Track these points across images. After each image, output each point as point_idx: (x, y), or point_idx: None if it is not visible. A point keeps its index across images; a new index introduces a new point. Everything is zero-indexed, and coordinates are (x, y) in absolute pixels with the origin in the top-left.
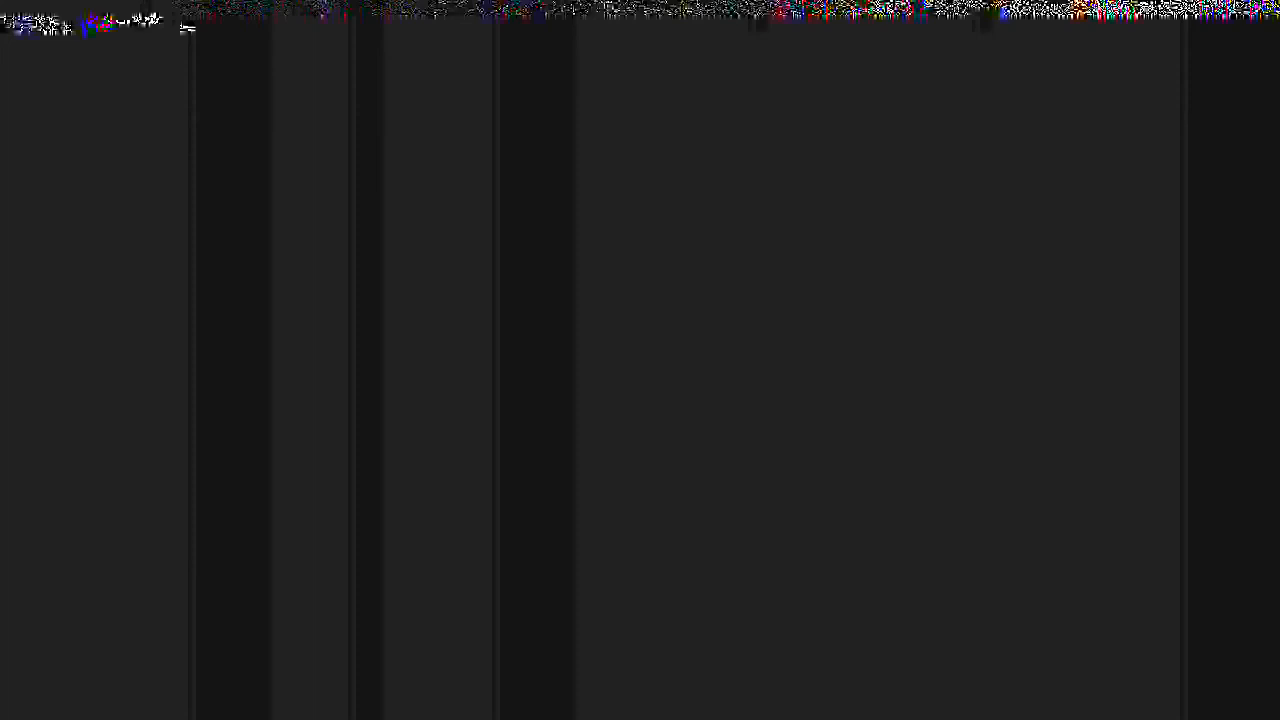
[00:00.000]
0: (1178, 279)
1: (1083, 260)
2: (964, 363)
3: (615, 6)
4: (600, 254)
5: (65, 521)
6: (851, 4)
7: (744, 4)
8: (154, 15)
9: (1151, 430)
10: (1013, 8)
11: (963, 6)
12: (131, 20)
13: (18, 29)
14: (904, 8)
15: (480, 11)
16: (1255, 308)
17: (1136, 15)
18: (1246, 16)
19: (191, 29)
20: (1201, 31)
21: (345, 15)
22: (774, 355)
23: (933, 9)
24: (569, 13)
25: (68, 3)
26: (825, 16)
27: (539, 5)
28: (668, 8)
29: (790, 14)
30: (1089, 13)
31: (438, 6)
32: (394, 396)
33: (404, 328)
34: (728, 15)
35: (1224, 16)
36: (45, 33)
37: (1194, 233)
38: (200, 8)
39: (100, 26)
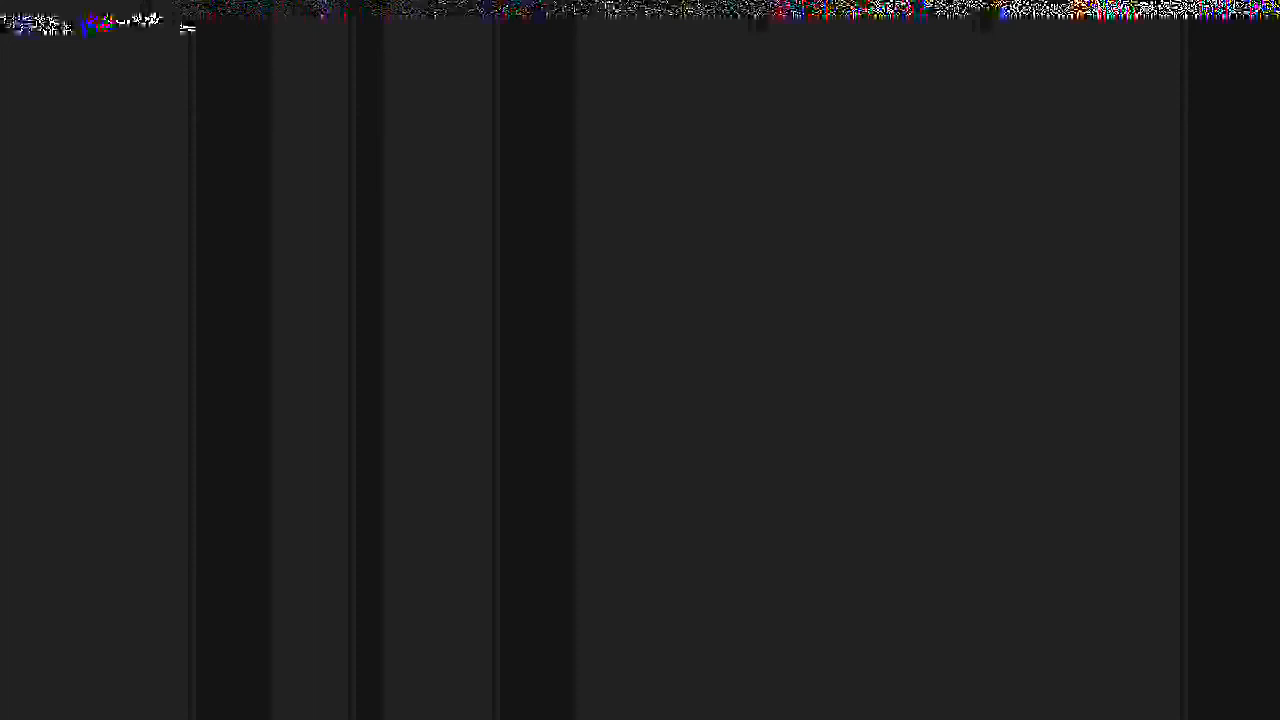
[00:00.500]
0: (1178, 279)
1: (1083, 260)
2: (964, 362)
3: (615, 6)
4: (600, 254)
5: (65, 521)
6: (851, 4)
7: (744, 4)
8: (154, 15)
9: (1151, 430)
10: (1013, 8)
11: (963, 6)
12: (131, 20)
13: (18, 29)
14: (904, 8)
15: (480, 11)
16: (1255, 308)
17: (1136, 15)
18: (1246, 16)
19: (191, 29)
20: (1201, 31)
21: (345, 15)
22: (774, 355)
23: (933, 9)
24: (569, 13)
25: (68, 3)
26: (825, 16)
27: (539, 5)
28: (668, 8)
29: (790, 14)
30: (1089, 13)
31: (438, 6)
32: (394, 396)
33: (404, 328)
34: (728, 15)
35: (1224, 16)
36: (45, 33)
37: (1194, 233)
38: (200, 8)
39: (100, 26)
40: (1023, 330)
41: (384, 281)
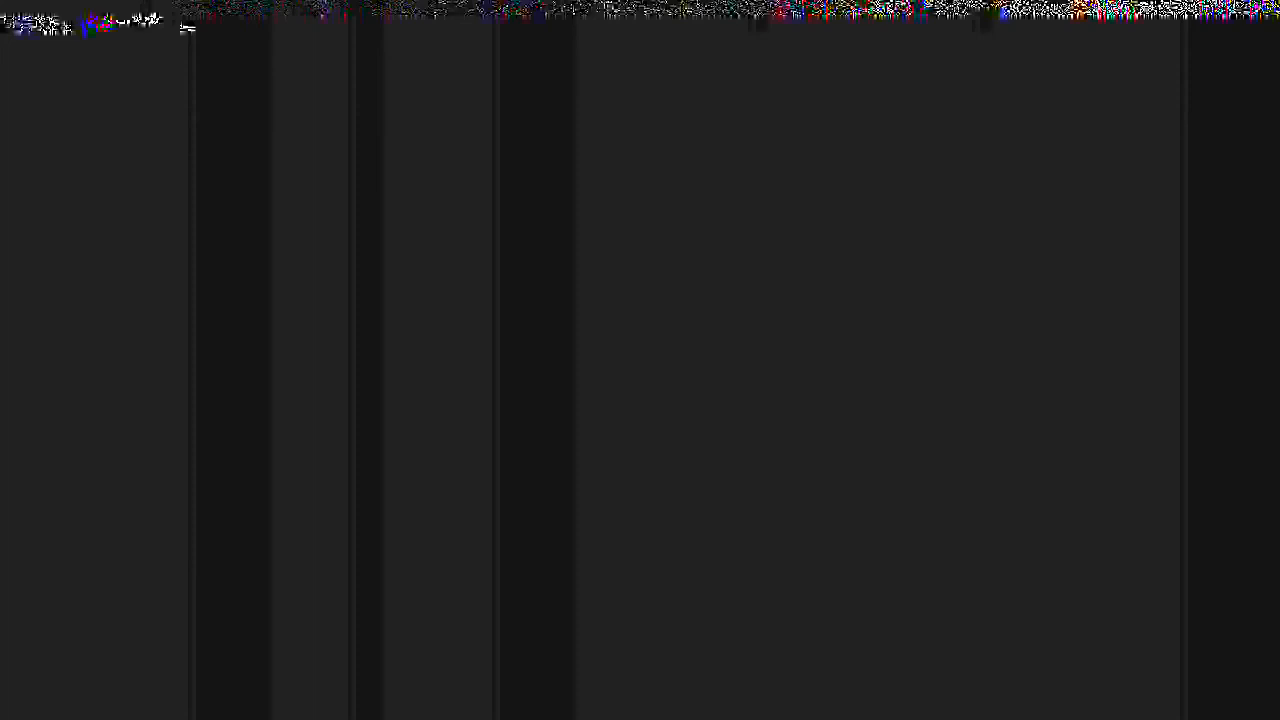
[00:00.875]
0: (1178, 279)
1: (1083, 260)
2: (964, 362)
3: (615, 6)
4: (600, 254)
5: (65, 521)
6: (851, 4)
7: (744, 4)
8: (154, 15)
9: (1151, 430)
10: (1013, 8)
11: (963, 6)
12: (131, 20)
13: (18, 29)
14: (904, 8)
15: (480, 11)
16: (1255, 308)
17: (1136, 15)
18: (1246, 16)
19: (191, 29)
20: (1201, 31)
21: (345, 15)
22: (774, 355)
23: (933, 9)
24: (569, 13)
25: (68, 3)
26: (825, 16)
27: (539, 5)
28: (668, 8)
29: (790, 14)
30: (1089, 13)
31: (438, 6)
32: (394, 396)
33: (404, 328)
34: (728, 15)
35: (1224, 16)
36: (45, 33)
37: (1194, 232)
38: (200, 8)
39: (100, 26)
40: (1023, 330)
41: (384, 281)
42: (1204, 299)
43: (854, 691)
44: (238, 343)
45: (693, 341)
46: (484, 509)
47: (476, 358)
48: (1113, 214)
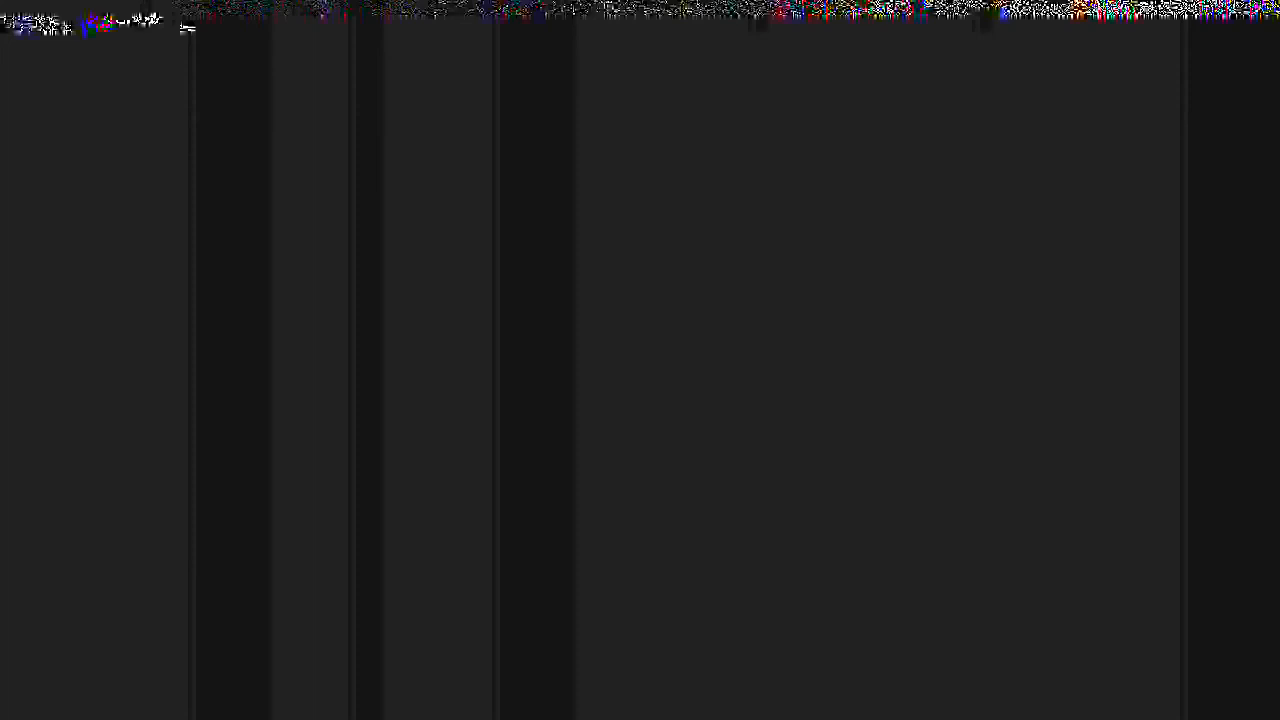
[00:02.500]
0: (1178, 279)
1: (1083, 260)
2: (964, 363)
3: (615, 6)
4: (600, 254)
5: (65, 521)
6: (851, 4)
7: (744, 4)
8: (154, 15)
9: (1151, 430)
10: (1013, 8)
11: (963, 6)
12: (131, 20)
13: (18, 29)
14: (904, 8)
15: (480, 11)
16: (1255, 308)
17: (1136, 15)
18: (1246, 16)
19: (191, 29)
20: (1201, 31)
21: (345, 15)
22: (774, 355)
23: (933, 9)
24: (569, 13)
25: (68, 3)
26: (825, 16)
27: (539, 5)
28: (668, 8)
29: (790, 14)
30: (1089, 13)
31: (438, 6)
32: (394, 396)
33: (404, 328)
34: (728, 15)
35: (1224, 16)
36: (45, 33)
37: (1194, 232)
38: (200, 8)
39: (100, 26)
40: (1023, 330)
41: (384, 281)
42: (1204, 299)
43: (854, 691)
44: (238, 342)
45: (693, 341)
46: (484, 509)
47: (477, 358)
48: (1113, 214)
